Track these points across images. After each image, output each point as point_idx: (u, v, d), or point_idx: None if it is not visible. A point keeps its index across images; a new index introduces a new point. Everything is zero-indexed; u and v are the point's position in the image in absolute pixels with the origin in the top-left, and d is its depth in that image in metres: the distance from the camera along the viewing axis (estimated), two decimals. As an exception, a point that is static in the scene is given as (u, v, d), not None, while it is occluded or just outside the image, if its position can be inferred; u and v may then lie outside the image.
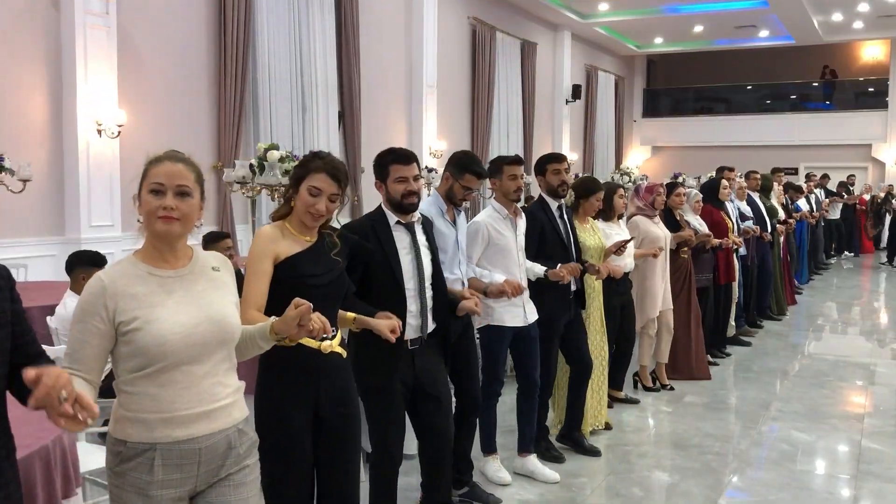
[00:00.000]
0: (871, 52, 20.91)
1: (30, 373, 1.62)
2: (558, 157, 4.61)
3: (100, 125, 7.09)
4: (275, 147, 6.23)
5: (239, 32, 8.55)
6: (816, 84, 20.59)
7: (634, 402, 5.90)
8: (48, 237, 7.03)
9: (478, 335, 4.23)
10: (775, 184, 9.56)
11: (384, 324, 2.90)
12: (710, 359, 6.88)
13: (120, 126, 7.17)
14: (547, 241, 4.49)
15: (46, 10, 6.94)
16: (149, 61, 7.89)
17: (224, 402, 2.12)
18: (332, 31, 10.05)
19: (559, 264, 4.33)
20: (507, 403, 4.67)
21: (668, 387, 6.24)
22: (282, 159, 6.07)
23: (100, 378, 2.04)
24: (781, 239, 9.29)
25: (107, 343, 2.00)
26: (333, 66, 10.08)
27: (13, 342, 1.81)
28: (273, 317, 2.28)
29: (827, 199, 14.30)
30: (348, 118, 10.41)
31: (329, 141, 9.89)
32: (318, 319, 2.21)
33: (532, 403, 4.41)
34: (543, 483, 4.33)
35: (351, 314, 2.91)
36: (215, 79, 8.51)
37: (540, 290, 4.34)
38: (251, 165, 6.60)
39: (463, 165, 3.84)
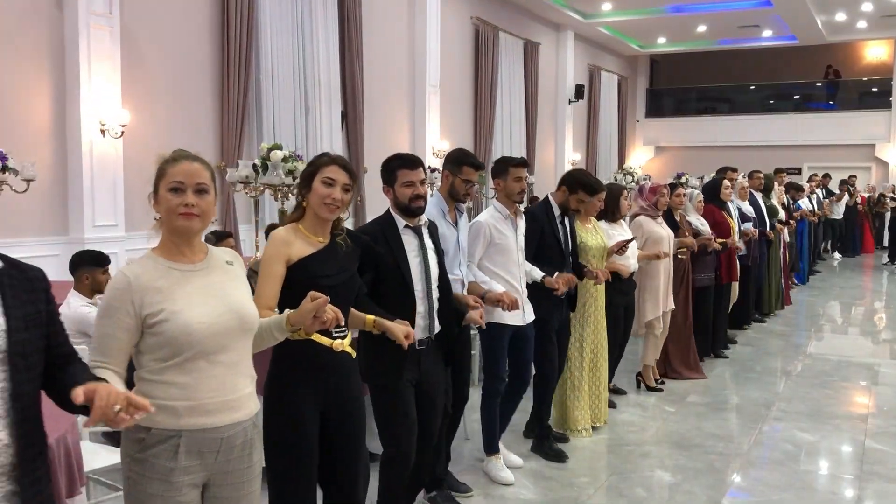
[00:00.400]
0: (875, 51, 20.88)
1: (79, 396, 1.71)
2: (595, 190, 4.66)
3: (103, 125, 7.10)
4: (278, 147, 6.22)
5: (242, 33, 8.56)
6: (820, 84, 20.57)
7: (622, 392, 6.00)
8: (52, 237, 7.04)
9: (475, 332, 4.27)
10: (776, 184, 9.56)
11: (400, 329, 2.96)
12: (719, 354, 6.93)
13: (123, 126, 7.18)
14: (546, 244, 4.55)
15: (50, 11, 6.95)
16: (152, 61, 7.90)
17: (244, 393, 2.21)
18: (334, 31, 10.05)
19: (556, 273, 4.40)
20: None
21: (661, 382, 6.30)
22: (285, 159, 6.06)
23: (125, 368, 2.11)
24: (782, 239, 9.29)
25: (133, 336, 2.09)
26: (336, 66, 10.08)
27: (47, 342, 1.87)
28: (288, 309, 2.37)
29: (827, 199, 14.33)
30: (351, 118, 10.42)
31: (332, 141, 9.90)
32: (331, 311, 2.30)
33: (516, 402, 4.52)
34: (545, 482, 4.34)
35: (371, 316, 2.98)
36: (218, 79, 8.52)
37: (534, 290, 4.40)
38: (254, 165, 6.60)
39: (459, 160, 3.94)
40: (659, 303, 5.98)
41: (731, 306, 7.61)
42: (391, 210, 3.41)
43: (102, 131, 7.11)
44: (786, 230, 9.43)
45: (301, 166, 6.19)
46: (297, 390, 2.74)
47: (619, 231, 5.49)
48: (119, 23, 7.26)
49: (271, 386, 2.79)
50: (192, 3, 8.28)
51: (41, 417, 1.87)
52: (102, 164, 7.15)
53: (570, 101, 16.83)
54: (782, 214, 9.29)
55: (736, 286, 7.55)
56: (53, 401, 1.92)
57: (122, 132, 7.19)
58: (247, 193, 6.63)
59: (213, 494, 2.19)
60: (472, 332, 4.89)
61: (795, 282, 11.27)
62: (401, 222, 3.36)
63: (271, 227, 6.51)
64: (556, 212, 4.62)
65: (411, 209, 3.34)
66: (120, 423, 1.74)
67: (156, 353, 2.09)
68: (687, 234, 6.37)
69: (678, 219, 6.38)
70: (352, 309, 2.93)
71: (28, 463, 1.80)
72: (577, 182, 4.59)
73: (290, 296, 2.61)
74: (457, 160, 3.94)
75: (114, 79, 7.22)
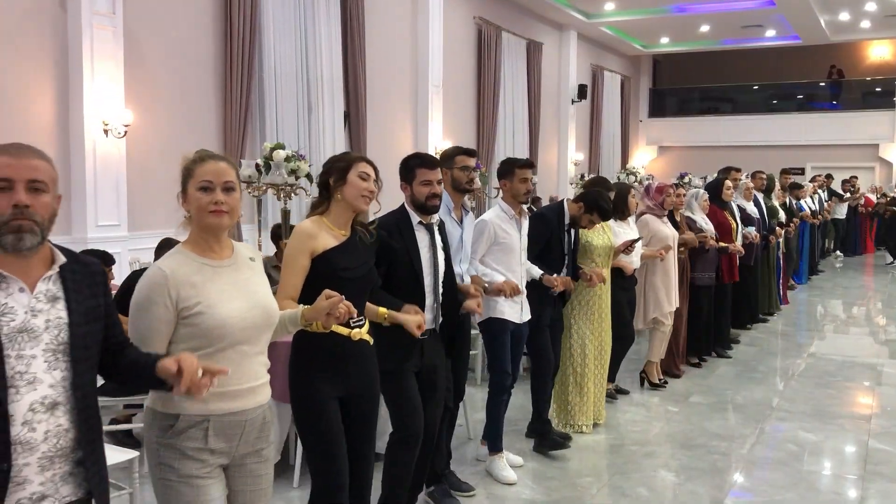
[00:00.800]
0: (879, 51, 20.84)
1: (171, 366, 1.93)
2: (607, 214, 4.77)
3: (106, 125, 7.10)
4: (281, 147, 6.24)
5: (245, 32, 8.56)
6: (823, 84, 20.53)
7: (624, 392, 6.00)
8: (55, 237, 6.90)
9: (476, 332, 4.31)
10: (777, 184, 9.55)
11: (413, 320, 3.13)
12: (700, 358, 6.95)
13: (126, 126, 7.19)
14: (550, 248, 4.66)
15: (53, 11, 6.96)
16: (155, 61, 7.90)
17: (264, 380, 2.37)
18: (337, 31, 10.05)
19: (554, 273, 4.52)
20: (512, 402, 4.68)
21: (664, 381, 6.31)
22: (287, 159, 6.07)
23: None
24: (780, 240, 9.29)
25: (170, 328, 2.21)
26: (339, 66, 10.08)
27: (105, 332, 2.01)
28: (303, 305, 2.53)
29: (830, 200, 14.32)
30: (354, 118, 10.42)
31: (335, 141, 9.89)
32: (343, 307, 2.45)
33: (507, 399, 4.55)
34: (547, 481, 4.34)
35: (383, 310, 3.12)
36: (221, 78, 8.52)
37: (529, 287, 4.47)
38: (257, 165, 6.61)
39: (450, 154, 4.10)
40: (664, 300, 6.01)
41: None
42: (406, 206, 3.52)
43: (105, 131, 7.11)
44: (783, 234, 9.42)
45: (304, 166, 6.20)
46: (317, 379, 2.85)
47: (626, 229, 5.55)
48: (122, 22, 7.27)
49: (293, 375, 2.91)
50: (195, 3, 8.29)
51: (97, 404, 2.00)
52: (105, 164, 7.16)
53: (572, 101, 16.81)
54: (782, 215, 9.28)
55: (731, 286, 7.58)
56: (116, 383, 2.11)
57: (125, 132, 7.20)
58: (250, 193, 6.64)
59: (235, 473, 2.34)
60: (474, 331, 4.91)
61: (794, 282, 11.27)
62: (415, 218, 3.48)
63: (277, 228, 6.53)
64: (567, 220, 4.73)
65: (427, 207, 3.45)
66: (202, 389, 1.94)
67: (188, 343, 2.21)
68: (685, 232, 6.39)
69: (678, 218, 6.42)
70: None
71: (86, 446, 1.93)
72: (595, 205, 4.70)
73: (312, 285, 2.73)
74: (449, 155, 4.10)
75: (117, 78, 7.22)
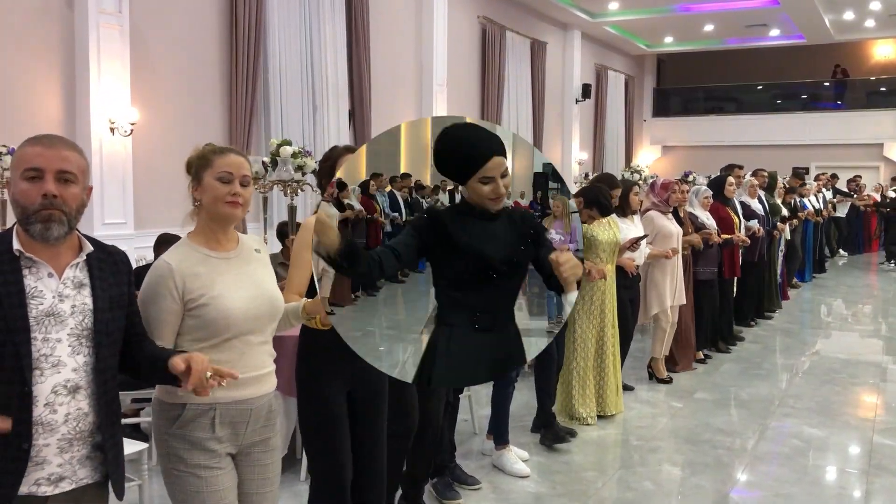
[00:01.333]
0: (883, 50, 20.82)
1: (179, 364, 1.96)
2: (606, 211, 4.87)
3: (113, 123, 7.14)
4: (287, 143, 6.27)
5: (250, 31, 8.60)
6: (827, 83, 20.50)
7: (629, 388, 5.99)
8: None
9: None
10: (780, 181, 9.55)
11: None
12: (705, 354, 6.97)
13: (132, 124, 7.22)
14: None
15: (60, 10, 7.00)
16: (161, 60, 7.94)
17: (270, 369, 2.39)
18: (342, 30, 10.09)
19: None
20: (517, 399, 4.70)
21: (669, 378, 6.32)
22: (294, 155, 6.11)
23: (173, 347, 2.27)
24: (783, 237, 9.30)
25: (178, 318, 2.24)
26: (344, 65, 10.11)
27: (127, 321, 2.08)
28: (305, 298, 2.55)
29: (835, 199, 14.30)
30: (359, 117, 10.44)
31: (339, 140, 9.91)
32: None
33: (511, 392, 4.59)
34: (553, 475, 4.35)
35: None
36: (227, 78, 8.56)
37: None
38: (263, 163, 6.65)
39: None
40: (665, 296, 6.03)
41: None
42: None
43: (112, 129, 7.15)
44: (787, 228, 9.43)
45: (310, 162, 6.24)
46: (323, 372, 2.85)
47: (629, 225, 5.57)
48: (128, 22, 7.31)
49: (300, 368, 2.92)
50: (200, 3, 8.32)
51: (118, 391, 2.08)
52: (112, 163, 7.19)
53: (577, 101, 16.83)
54: (785, 213, 9.29)
55: (734, 281, 7.60)
56: (129, 376, 2.15)
57: (132, 130, 7.23)
58: (256, 190, 6.67)
59: (242, 462, 2.36)
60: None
61: (797, 280, 11.27)
62: None
63: (283, 226, 6.56)
64: None
65: None
66: (207, 390, 1.98)
67: (193, 334, 2.24)
68: (690, 230, 6.41)
69: (682, 214, 6.44)
70: None
71: (105, 430, 2.00)
72: (595, 201, 4.77)
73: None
74: None
75: (123, 77, 7.26)
